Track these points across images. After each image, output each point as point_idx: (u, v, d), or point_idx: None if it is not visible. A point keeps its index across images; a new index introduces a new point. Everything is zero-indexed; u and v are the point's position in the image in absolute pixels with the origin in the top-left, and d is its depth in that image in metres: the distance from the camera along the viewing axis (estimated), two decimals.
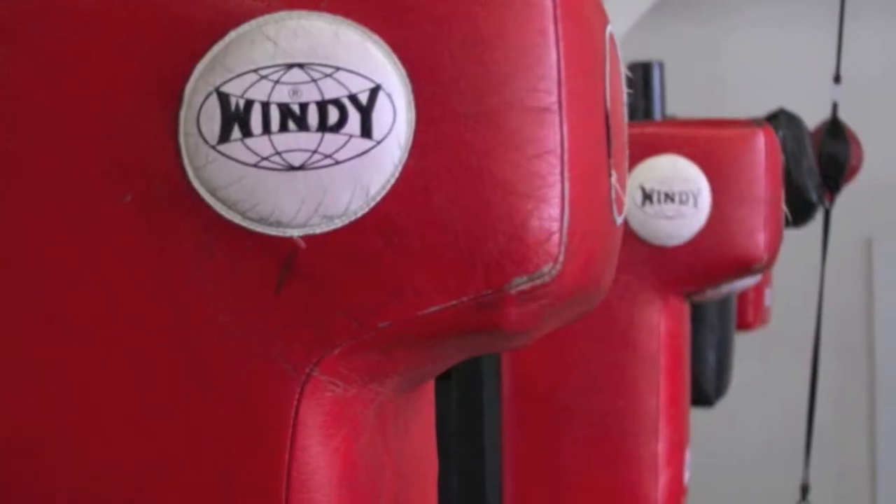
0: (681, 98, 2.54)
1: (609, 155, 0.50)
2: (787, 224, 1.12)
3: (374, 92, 0.43)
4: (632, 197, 1.04)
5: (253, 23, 0.44)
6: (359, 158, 0.43)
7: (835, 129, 1.87)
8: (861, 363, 3.46)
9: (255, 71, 0.44)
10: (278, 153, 0.44)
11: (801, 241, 2.10)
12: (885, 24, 3.35)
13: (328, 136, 0.43)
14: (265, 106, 0.43)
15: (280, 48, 0.44)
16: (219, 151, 0.44)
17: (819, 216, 1.89)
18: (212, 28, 0.45)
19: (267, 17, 0.44)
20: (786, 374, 3.15)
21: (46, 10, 0.47)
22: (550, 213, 0.44)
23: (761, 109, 1.85)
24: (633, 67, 1.78)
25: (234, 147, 0.44)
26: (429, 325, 0.45)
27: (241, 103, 0.44)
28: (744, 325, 2.07)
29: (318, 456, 0.45)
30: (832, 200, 1.88)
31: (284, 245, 0.44)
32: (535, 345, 0.52)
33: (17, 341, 0.48)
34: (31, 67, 0.47)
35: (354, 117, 0.43)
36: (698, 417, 1.52)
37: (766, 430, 3.42)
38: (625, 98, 0.55)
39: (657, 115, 1.80)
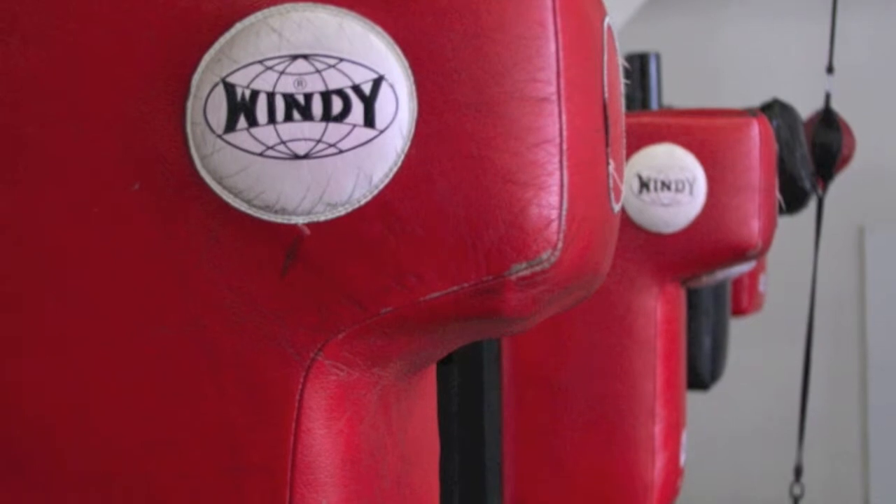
0: (677, 88, 2.54)
1: (607, 144, 0.50)
2: (781, 212, 1.13)
3: (378, 82, 0.44)
4: (629, 185, 1.05)
5: (258, 14, 0.45)
6: (362, 147, 0.44)
7: (828, 118, 1.88)
8: (853, 348, 3.48)
9: (261, 62, 0.44)
10: (283, 142, 0.44)
11: (794, 229, 2.12)
12: (876, 15, 3.36)
13: (332, 126, 0.44)
14: (270, 96, 0.44)
15: (285, 39, 0.44)
16: (225, 140, 0.45)
17: (812, 204, 1.90)
18: (218, 20, 0.45)
19: (272, 9, 0.45)
20: (780, 359, 3.16)
21: (58, 2, 0.48)
22: (549, 201, 0.45)
23: (756, 99, 1.86)
24: (630, 58, 1.79)
25: (240, 136, 0.45)
26: (431, 310, 0.46)
27: (247, 94, 0.44)
28: (738, 311, 2.08)
29: (322, 438, 0.46)
30: (825, 188, 1.89)
31: (289, 232, 0.45)
32: (535, 330, 0.53)
33: (28, 322, 0.48)
34: (43, 58, 0.47)
35: (358, 107, 0.44)
36: (694, 401, 1.54)
37: (760, 412, 3.45)
38: (622, 88, 0.55)
39: (654, 105, 1.81)
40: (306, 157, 0.44)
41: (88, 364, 0.48)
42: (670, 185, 1.04)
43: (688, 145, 1.04)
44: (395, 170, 0.44)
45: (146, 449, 0.47)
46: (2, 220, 0.48)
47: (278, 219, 0.45)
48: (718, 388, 2.01)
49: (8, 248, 0.48)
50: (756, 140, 1.05)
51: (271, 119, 0.44)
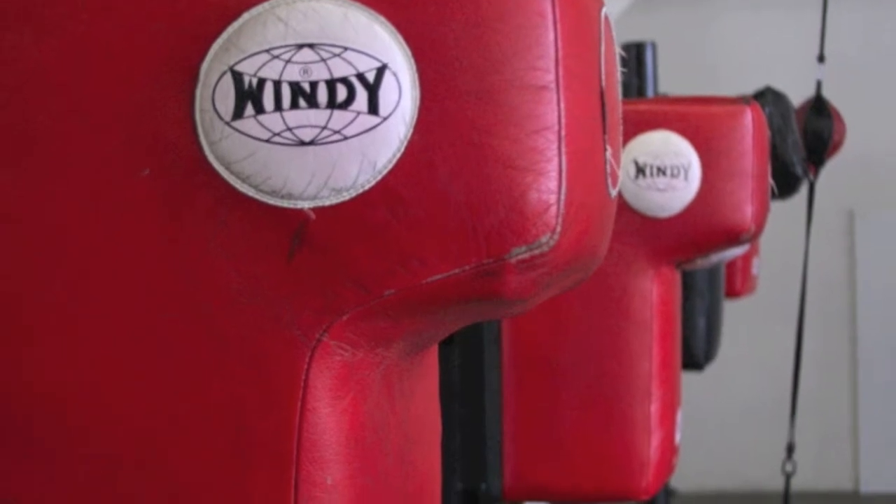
0: (672, 77, 2.55)
1: (604, 131, 0.51)
2: (774, 197, 1.15)
3: (381, 71, 0.45)
4: (626, 170, 1.06)
5: (265, 5, 0.46)
6: (366, 134, 0.45)
7: (819, 106, 1.90)
8: (844, 329, 3.51)
9: (268, 51, 0.45)
10: (289, 129, 0.45)
11: (786, 213, 2.13)
12: (867, 5, 3.37)
13: (337, 113, 0.45)
14: (277, 84, 0.45)
15: (291, 29, 0.45)
16: (233, 127, 0.46)
17: (804, 189, 1.92)
18: (226, 10, 0.46)
19: None
20: (772, 340, 3.19)
21: None
22: (548, 186, 0.46)
23: (749, 87, 1.87)
24: (627, 47, 1.80)
25: (248, 123, 0.45)
26: (432, 292, 0.46)
27: (254, 82, 0.45)
28: (732, 293, 2.10)
29: (326, 417, 0.47)
30: (816, 174, 1.91)
31: (295, 217, 0.46)
32: (534, 311, 0.54)
33: (39, 308, 0.49)
34: (56, 48, 0.48)
35: (362, 95, 0.45)
36: (689, 381, 1.55)
37: (753, 392, 3.48)
38: (619, 77, 0.56)
39: (650, 93, 1.83)
40: (312, 143, 0.45)
41: (99, 348, 0.49)
42: (666, 171, 1.05)
43: (683, 132, 1.06)
44: (398, 156, 0.45)
45: (155, 429, 0.48)
46: (13, 209, 0.49)
47: (285, 203, 0.46)
48: (713, 369, 2.03)
49: (19, 235, 0.49)
50: (749, 127, 1.06)
51: (278, 106, 0.45)
